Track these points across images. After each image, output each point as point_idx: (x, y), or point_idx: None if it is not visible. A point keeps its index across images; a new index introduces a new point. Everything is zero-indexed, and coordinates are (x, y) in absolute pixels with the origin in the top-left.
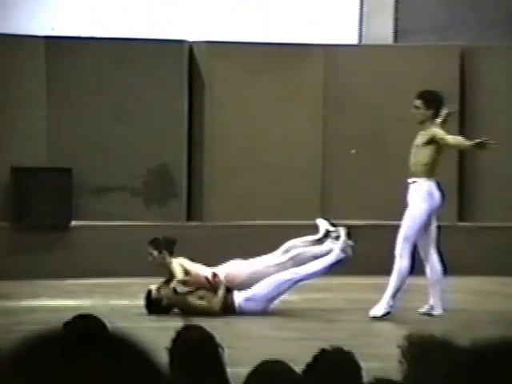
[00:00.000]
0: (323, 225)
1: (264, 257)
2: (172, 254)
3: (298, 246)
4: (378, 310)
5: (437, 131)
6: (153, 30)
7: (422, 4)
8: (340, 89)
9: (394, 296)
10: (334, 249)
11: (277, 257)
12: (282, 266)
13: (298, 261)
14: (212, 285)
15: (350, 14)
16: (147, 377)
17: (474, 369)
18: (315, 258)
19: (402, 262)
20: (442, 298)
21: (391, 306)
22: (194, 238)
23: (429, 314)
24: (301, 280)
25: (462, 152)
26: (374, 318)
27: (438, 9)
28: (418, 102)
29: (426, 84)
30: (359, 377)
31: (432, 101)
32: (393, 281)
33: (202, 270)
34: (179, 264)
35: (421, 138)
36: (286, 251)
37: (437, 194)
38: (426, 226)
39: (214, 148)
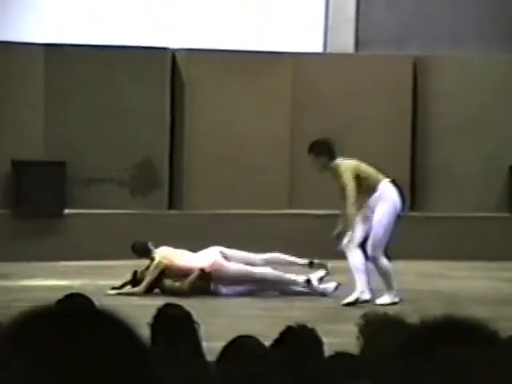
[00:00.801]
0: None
1: (245, 255)
2: (149, 253)
3: (279, 261)
4: (385, 299)
5: (343, 180)
6: (139, 37)
7: (380, 18)
8: (306, 92)
9: (392, 288)
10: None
11: (256, 261)
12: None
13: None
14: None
15: (316, 25)
16: (131, 349)
17: (422, 343)
18: (283, 284)
19: (380, 264)
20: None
21: (395, 296)
22: (175, 225)
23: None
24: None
25: (413, 149)
26: (381, 304)
27: (393, 22)
28: (311, 156)
29: (382, 89)
30: (321, 351)
31: (319, 148)
32: (384, 278)
33: (186, 260)
34: (157, 265)
35: (340, 189)
36: (266, 262)
37: (398, 199)
38: (390, 228)
39: (193, 144)
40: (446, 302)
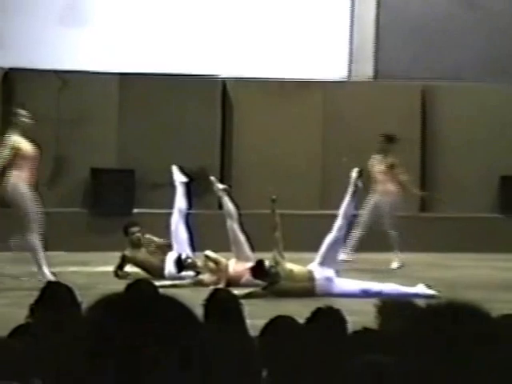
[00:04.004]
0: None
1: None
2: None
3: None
4: None
5: None
6: (195, 66)
7: (395, 52)
8: (335, 114)
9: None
10: None
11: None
12: None
13: None
14: None
15: (341, 56)
16: (189, 327)
17: (429, 322)
18: None
19: None
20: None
21: None
22: (223, 224)
23: None
24: None
25: (423, 154)
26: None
27: (406, 55)
28: None
29: (394, 114)
30: (345, 328)
31: None
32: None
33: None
34: None
35: None
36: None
37: None
38: None
39: (240, 157)
40: (447, 287)
